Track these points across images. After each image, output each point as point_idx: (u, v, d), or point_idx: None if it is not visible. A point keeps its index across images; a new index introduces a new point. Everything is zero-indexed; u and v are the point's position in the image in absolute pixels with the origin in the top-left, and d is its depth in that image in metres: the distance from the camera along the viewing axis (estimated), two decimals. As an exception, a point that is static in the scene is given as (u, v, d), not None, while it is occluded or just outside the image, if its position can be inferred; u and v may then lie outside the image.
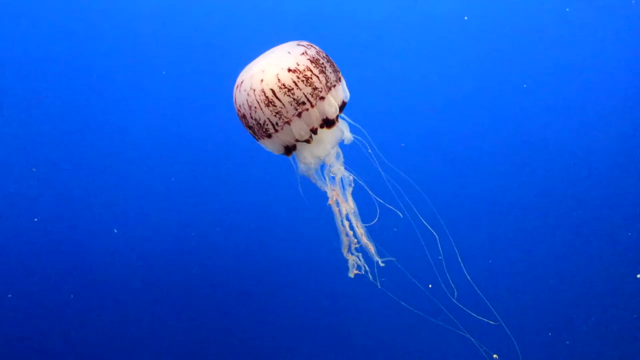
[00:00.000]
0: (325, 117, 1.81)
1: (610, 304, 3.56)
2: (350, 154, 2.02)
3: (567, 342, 3.60)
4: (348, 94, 1.92)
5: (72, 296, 3.87)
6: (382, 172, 2.06)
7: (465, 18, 3.41)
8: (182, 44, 3.61)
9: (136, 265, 3.87)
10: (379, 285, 2.11)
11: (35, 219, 3.83)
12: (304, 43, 1.85)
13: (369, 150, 2.00)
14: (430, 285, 2.39)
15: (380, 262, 2.08)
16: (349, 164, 2.03)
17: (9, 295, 3.85)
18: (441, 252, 2.15)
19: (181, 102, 3.74)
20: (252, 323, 3.88)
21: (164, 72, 3.70)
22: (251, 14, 3.47)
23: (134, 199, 3.81)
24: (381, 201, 2.04)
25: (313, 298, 3.83)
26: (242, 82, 1.82)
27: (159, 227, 3.83)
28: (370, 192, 2.02)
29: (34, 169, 3.71)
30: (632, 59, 3.40)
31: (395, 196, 2.11)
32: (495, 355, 2.30)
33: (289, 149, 1.90)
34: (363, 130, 1.98)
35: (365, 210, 2.07)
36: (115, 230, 3.80)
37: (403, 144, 3.55)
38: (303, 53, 1.80)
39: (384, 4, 3.48)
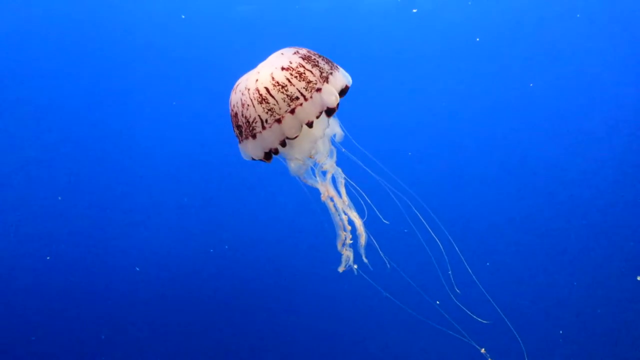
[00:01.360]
0: (326, 108, 1.81)
1: (613, 307, 3.55)
2: (357, 163, 2.03)
3: (561, 341, 3.56)
4: (350, 79, 1.93)
5: (103, 337, 3.86)
6: (382, 180, 2.02)
7: (477, 39, 3.39)
8: (194, 68, 3.67)
9: (156, 289, 3.89)
10: (387, 259, 2.07)
11: (48, 257, 3.87)
12: (295, 46, 1.91)
13: (341, 149, 2.01)
14: (438, 302, 2.33)
15: (364, 258, 2.08)
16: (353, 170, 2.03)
17: (33, 338, 3.84)
18: (446, 258, 2.10)
19: (189, 122, 3.79)
20: (267, 330, 3.90)
21: (174, 103, 3.74)
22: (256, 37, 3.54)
23: (148, 224, 3.85)
24: (376, 211, 2.00)
25: (323, 307, 3.86)
26: (238, 85, 1.89)
27: (175, 247, 3.86)
28: (367, 198, 1.98)
29: (59, 197, 3.72)
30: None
31: (398, 203, 2.08)
32: (482, 350, 2.19)
33: (269, 155, 1.88)
34: (349, 134, 1.99)
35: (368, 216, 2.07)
36: (137, 269, 3.81)
37: (410, 153, 3.50)
38: (295, 52, 1.87)
39: (396, 19, 3.51)
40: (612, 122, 3.44)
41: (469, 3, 3.37)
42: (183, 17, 3.74)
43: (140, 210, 3.82)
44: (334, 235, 2.05)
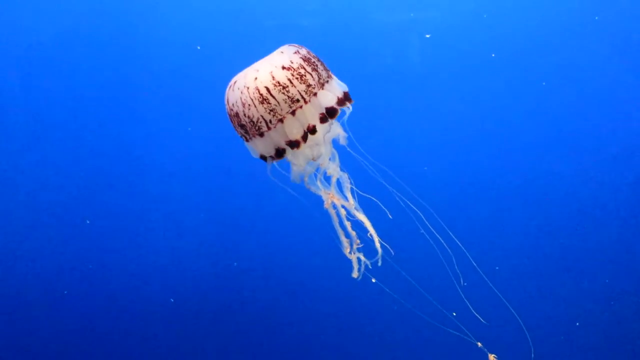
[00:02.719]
0: (323, 111, 1.80)
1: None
2: (367, 173, 2.03)
3: (562, 337, 3.50)
4: (346, 87, 1.94)
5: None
6: (385, 182, 2.01)
7: (493, 55, 3.38)
8: (208, 89, 3.70)
9: (185, 311, 3.87)
10: (398, 267, 2.01)
11: (65, 292, 3.87)
12: (295, 45, 1.90)
13: (347, 157, 2.00)
14: (454, 313, 2.27)
15: (362, 259, 2.06)
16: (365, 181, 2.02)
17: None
18: (455, 262, 2.04)
19: (202, 138, 3.80)
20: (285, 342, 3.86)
21: (189, 129, 3.77)
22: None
23: (167, 243, 3.84)
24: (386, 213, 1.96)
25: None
26: (235, 82, 1.85)
27: (195, 265, 3.84)
28: (378, 201, 1.94)
29: (87, 221, 3.76)
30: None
31: (401, 203, 2.05)
32: (479, 344, 2.16)
33: (280, 153, 1.87)
34: (363, 149, 2.00)
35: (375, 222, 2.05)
36: (172, 300, 3.81)
37: (426, 168, 3.53)
38: (296, 52, 1.85)
39: (409, 33, 3.53)
40: (634, 134, 3.38)
41: (485, 16, 3.35)
42: (198, 47, 3.80)
43: (159, 228, 3.83)
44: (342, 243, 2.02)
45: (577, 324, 3.45)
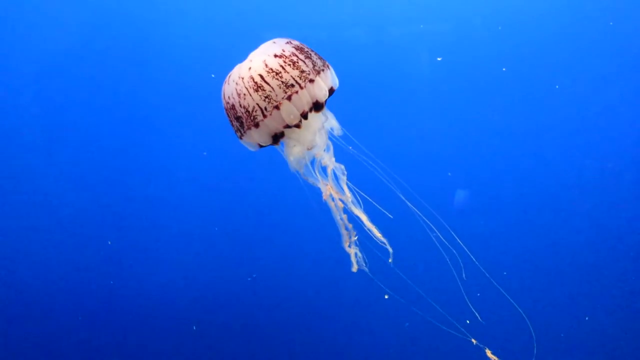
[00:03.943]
0: (315, 101, 1.84)
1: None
2: (376, 179, 2.03)
3: (565, 334, 3.40)
4: (337, 81, 1.97)
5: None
6: (389, 182, 2.00)
7: (504, 69, 3.36)
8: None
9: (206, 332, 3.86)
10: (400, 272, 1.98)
11: (80, 317, 3.88)
12: (288, 37, 1.95)
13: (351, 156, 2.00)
14: (468, 321, 2.18)
15: (388, 248, 2.03)
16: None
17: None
18: (462, 265, 1.95)
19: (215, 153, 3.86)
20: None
21: (205, 153, 3.79)
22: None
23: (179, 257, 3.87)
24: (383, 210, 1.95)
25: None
26: (230, 76, 1.91)
27: (210, 278, 3.85)
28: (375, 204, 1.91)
29: (109, 242, 3.82)
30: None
31: (412, 209, 2.06)
32: (474, 341, 2.18)
33: (277, 138, 1.90)
34: (356, 140, 1.99)
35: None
36: (194, 327, 3.82)
37: (450, 173, 3.53)
38: (288, 42, 1.90)
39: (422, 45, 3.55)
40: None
41: (499, 28, 3.33)
42: (213, 76, 3.84)
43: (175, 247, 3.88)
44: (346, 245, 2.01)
45: (587, 318, 3.36)
